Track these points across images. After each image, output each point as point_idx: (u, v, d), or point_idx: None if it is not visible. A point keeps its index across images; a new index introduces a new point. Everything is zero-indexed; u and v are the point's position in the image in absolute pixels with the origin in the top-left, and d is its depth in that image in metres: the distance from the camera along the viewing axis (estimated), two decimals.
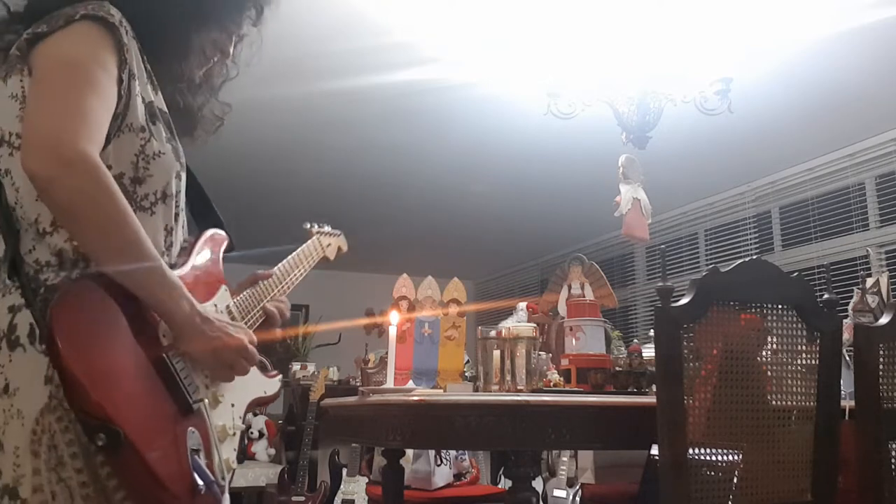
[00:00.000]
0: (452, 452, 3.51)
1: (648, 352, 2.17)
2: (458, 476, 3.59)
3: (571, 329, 2.34)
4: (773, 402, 1.64)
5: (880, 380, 1.73)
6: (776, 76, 3.19)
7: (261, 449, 4.65)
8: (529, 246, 6.33)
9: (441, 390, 2.11)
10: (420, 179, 4.64)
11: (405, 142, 4.02)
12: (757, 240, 4.60)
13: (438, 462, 3.41)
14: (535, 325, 2.34)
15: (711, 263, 4.71)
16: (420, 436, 1.73)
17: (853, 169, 3.95)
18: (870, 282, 2.55)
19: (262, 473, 4.31)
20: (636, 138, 2.78)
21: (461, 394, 2.01)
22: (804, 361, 1.69)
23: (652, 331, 1.65)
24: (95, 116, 0.98)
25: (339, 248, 1.69)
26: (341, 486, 4.17)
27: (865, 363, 1.74)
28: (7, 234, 1.00)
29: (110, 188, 0.95)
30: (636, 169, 2.63)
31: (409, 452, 3.32)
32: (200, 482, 0.97)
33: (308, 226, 1.59)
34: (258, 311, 1.26)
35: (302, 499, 4.08)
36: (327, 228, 1.64)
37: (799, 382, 1.67)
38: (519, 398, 1.78)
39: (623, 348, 2.42)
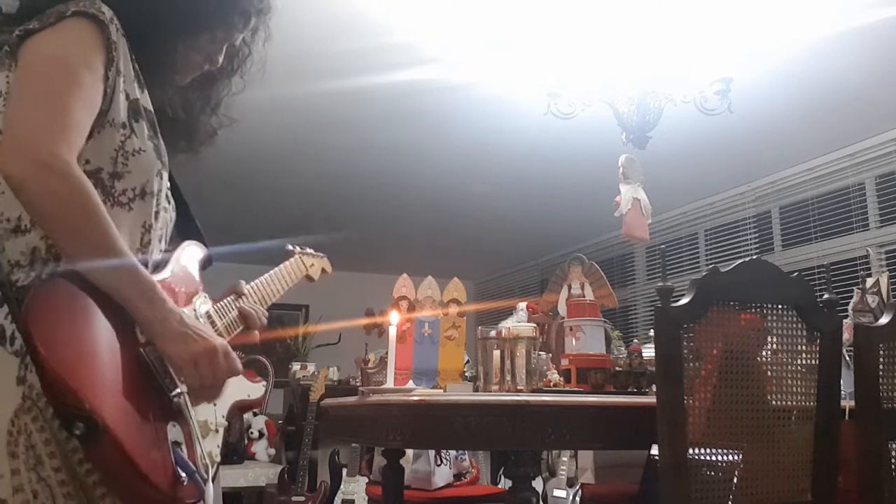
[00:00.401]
0: (452, 452, 3.51)
1: (648, 352, 2.18)
2: (458, 476, 3.59)
3: (571, 329, 2.34)
4: (773, 403, 1.64)
5: (880, 380, 1.73)
6: (776, 76, 3.19)
7: (261, 449, 4.65)
8: (529, 246, 6.33)
9: (441, 390, 2.11)
10: (420, 179, 4.64)
11: (406, 142, 4.03)
12: (757, 240, 4.60)
13: (438, 462, 3.41)
14: (535, 325, 2.34)
15: (711, 263, 4.71)
16: (420, 436, 1.73)
17: (853, 169, 3.95)
18: (870, 282, 2.55)
19: (262, 473, 4.31)
20: (636, 138, 2.79)
21: (461, 394, 2.01)
22: (804, 361, 1.69)
23: (652, 331, 1.65)
24: (75, 118, 0.98)
25: (324, 270, 1.72)
26: (341, 486, 4.17)
27: (865, 363, 1.74)
28: None
29: (84, 191, 0.96)
30: (636, 169, 2.63)
31: (409, 452, 3.32)
32: (182, 473, 0.98)
33: (290, 247, 1.62)
34: (235, 315, 1.27)
35: (302, 499, 4.08)
36: (310, 251, 1.67)
37: (799, 382, 1.67)
38: (519, 398, 1.78)
39: (623, 348, 2.43)
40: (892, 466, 1.74)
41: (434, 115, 3.67)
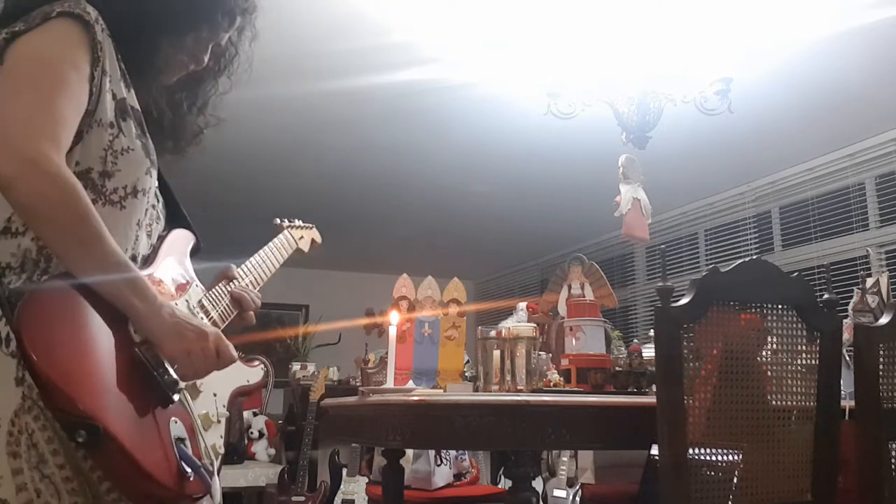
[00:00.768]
0: (452, 452, 3.51)
1: (648, 352, 2.17)
2: (458, 476, 3.59)
3: (571, 329, 2.34)
4: (773, 403, 1.64)
5: (880, 380, 1.73)
6: (776, 76, 3.19)
7: (261, 449, 4.65)
8: (529, 246, 6.33)
9: (441, 390, 2.11)
10: (420, 179, 4.64)
11: (405, 142, 4.03)
12: (757, 240, 4.60)
13: (438, 462, 3.41)
14: (535, 325, 2.34)
15: (711, 263, 4.71)
16: (420, 436, 1.73)
17: (853, 169, 3.95)
18: (870, 282, 2.55)
19: (261, 473, 4.31)
20: (636, 138, 2.78)
21: (461, 394, 2.01)
22: (804, 361, 1.69)
23: (652, 331, 1.65)
24: (63, 118, 0.99)
25: (314, 241, 1.70)
26: (341, 486, 4.17)
27: (865, 363, 1.74)
28: None
29: (72, 190, 0.95)
30: (636, 169, 2.63)
31: (409, 452, 3.32)
32: (188, 469, 0.98)
33: (278, 221, 1.61)
34: (229, 301, 1.26)
35: (302, 499, 4.08)
36: (298, 222, 1.66)
37: (799, 382, 1.67)
38: (519, 398, 1.78)
39: (623, 348, 2.43)
40: (892, 466, 1.74)
41: (434, 115, 3.67)
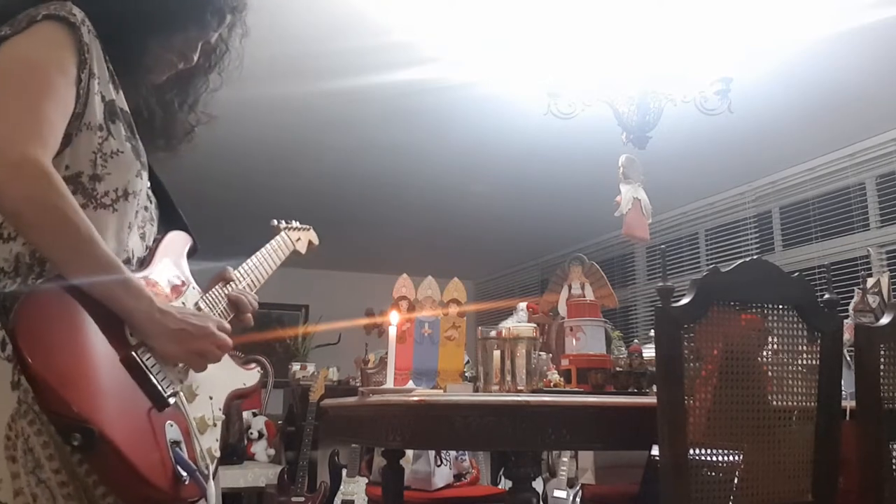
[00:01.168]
0: (452, 453, 3.51)
1: (649, 352, 2.17)
2: (458, 477, 3.59)
3: (572, 329, 2.33)
4: (774, 403, 1.64)
5: (881, 380, 1.73)
6: (776, 76, 3.19)
7: (260, 449, 4.64)
8: (529, 246, 6.33)
9: (441, 391, 2.10)
10: (420, 179, 4.64)
11: (405, 142, 4.02)
12: (757, 240, 4.60)
13: (438, 462, 3.41)
14: (535, 325, 2.34)
15: (712, 263, 4.71)
16: (420, 436, 1.73)
17: (854, 169, 3.95)
18: (870, 282, 2.55)
19: (261, 474, 4.30)
20: (636, 138, 2.78)
21: (461, 394, 2.01)
22: (805, 362, 1.68)
23: (652, 331, 1.64)
24: (49, 121, 0.98)
25: (311, 242, 1.69)
26: (341, 487, 4.17)
27: (866, 363, 1.73)
28: None
29: (60, 193, 0.95)
30: (636, 169, 2.62)
31: (409, 453, 3.32)
32: (183, 473, 0.98)
33: (275, 223, 1.60)
34: (226, 304, 1.26)
35: (301, 499, 4.08)
36: (296, 224, 1.65)
37: (800, 383, 1.67)
38: (519, 398, 1.78)
39: (623, 348, 2.42)
40: (893, 467, 1.74)
41: (434, 115, 3.66)
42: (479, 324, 2.51)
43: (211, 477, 1.08)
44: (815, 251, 4.15)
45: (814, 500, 1.64)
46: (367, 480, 4.06)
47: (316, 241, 1.71)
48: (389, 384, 1.90)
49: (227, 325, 1.14)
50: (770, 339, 1.67)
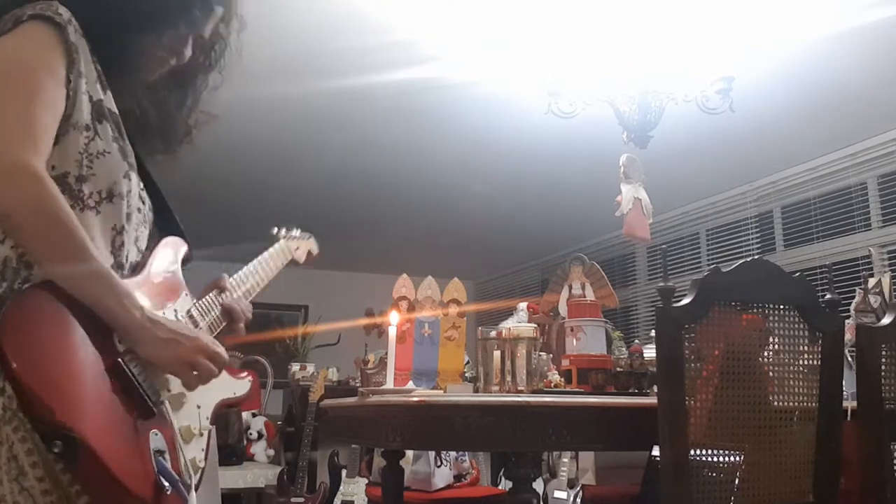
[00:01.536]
0: (452, 453, 3.51)
1: (649, 352, 2.17)
2: (458, 477, 3.59)
3: (572, 329, 2.33)
4: (775, 403, 1.64)
5: (882, 380, 1.73)
6: (776, 76, 3.18)
7: (260, 450, 4.64)
8: (530, 246, 6.32)
9: (441, 391, 2.10)
10: (420, 178, 4.64)
11: (405, 141, 4.02)
12: (759, 240, 4.59)
13: (438, 463, 3.41)
14: (535, 325, 2.33)
15: (713, 263, 4.71)
16: (420, 437, 1.73)
17: (855, 169, 3.95)
18: (872, 282, 2.54)
19: (260, 475, 4.30)
20: (637, 137, 2.78)
21: (461, 395, 2.00)
22: (806, 362, 1.68)
23: (653, 331, 1.64)
24: (40, 123, 0.97)
25: (310, 252, 1.66)
26: (341, 488, 4.16)
27: (867, 364, 1.73)
28: None
29: (52, 197, 0.94)
30: (637, 168, 2.62)
31: (409, 453, 3.32)
32: (166, 483, 0.96)
33: (275, 231, 1.59)
34: (219, 312, 1.23)
35: (301, 500, 4.07)
36: (296, 233, 1.63)
37: (801, 383, 1.67)
38: (519, 399, 1.78)
39: (624, 349, 2.41)
40: (895, 467, 1.73)
41: (434, 114, 3.66)
42: (480, 324, 2.50)
43: (193, 488, 1.07)
44: (817, 251, 4.15)
45: (815, 501, 1.64)
46: (366, 481, 4.06)
47: (315, 250, 1.69)
48: (389, 384, 1.90)
49: (219, 346, 1.11)
50: (771, 339, 1.67)
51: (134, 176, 1.12)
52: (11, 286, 0.96)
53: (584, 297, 2.65)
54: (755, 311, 1.65)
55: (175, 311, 1.13)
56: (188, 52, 1.21)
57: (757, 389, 1.61)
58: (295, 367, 5.13)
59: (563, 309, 2.67)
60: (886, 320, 1.82)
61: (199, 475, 1.09)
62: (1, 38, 1.01)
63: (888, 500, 1.69)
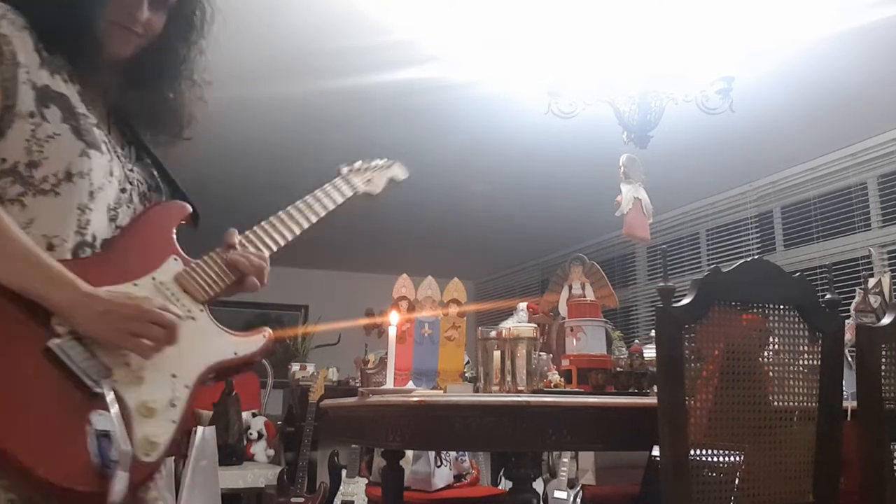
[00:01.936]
0: (452, 453, 3.51)
1: (649, 352, 2.17)
2: (458, 477, 3.59)
3: (572, 329, 2.33)
4: (775, 403, 1.64)
5: (883, 380, 1.72)
6: (776, 76, 3.18)
7: (260, 450, 4.64)
8: (530, 246, 6.32)
9: (441, 391, 2.10)
10: (420, 179, 4.62)
11: (405, 141, 4.02)
12: (759, 240, 4.59)
13: (438, 463, 3.41)
14: (535, 325, 2.33)
15: (713, 263, 4.71)
16: (420, 437, 1.73)
17: (855, 169, 3.95)
18: (872, 282, 2.54)
19: (260, 475, 4.30)
20: (637, 137, 2.78)
21: (461, 395, 2.00)
22: (806, 362, 1.68)
23: (653, 331, 1.64)
24: None
25: (391, 180, 1.53)
26: (341, 488, 4.16)
27: (867, 364, 1.73)
28: None
29: None
30: (637, 168, 2.62)
31: (409, 453, 3.32)
32: (105, 465, 0.93)
33: (340, 167, 1.48)
34: (218, 269, 1.16)
35: (301, 500, 4.07)
36: (375, 162, 1.50)
37: (801, 383, 1.67)
38: (519, 399, 1.77)
39: (624, 349, 2.41)
40: (895, 467, 1.73)
41: (434, 114, 3.66)
42: (480, 324, 2.50)
43: (158, 466, 1.02)
44: (817, 251, 4.15)
45: (815, 501, 1.64)
46: (366, 481, 4.06)
47: (402, 175, 1.56)
48: (389, 384, 1.90)
49: (174, 308, 1.06)
50: (771, 339, 1.67)
51: (96, 153, 1.10)
52: None
53: (584, 297, 2.64)
54: (755, 311, 1.65)
55: (153, 278, 1.10)
56: (144, 15, 1.15)
57: (757, 389, 1.61)
58: (295, 367, 5.13)
59: (563, 309, 2.67)
60: (886, 320, 1.82)
61: (158, 452, 1.01)
62: None
63: (888, 500, 1.68)
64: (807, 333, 1.68)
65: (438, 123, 3.77)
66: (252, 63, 3.11)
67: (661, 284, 1.58)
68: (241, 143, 3.91)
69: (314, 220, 1.36)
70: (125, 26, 1.15)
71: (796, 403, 1.65)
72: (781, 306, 1.66)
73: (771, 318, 1.66)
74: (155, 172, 1.26)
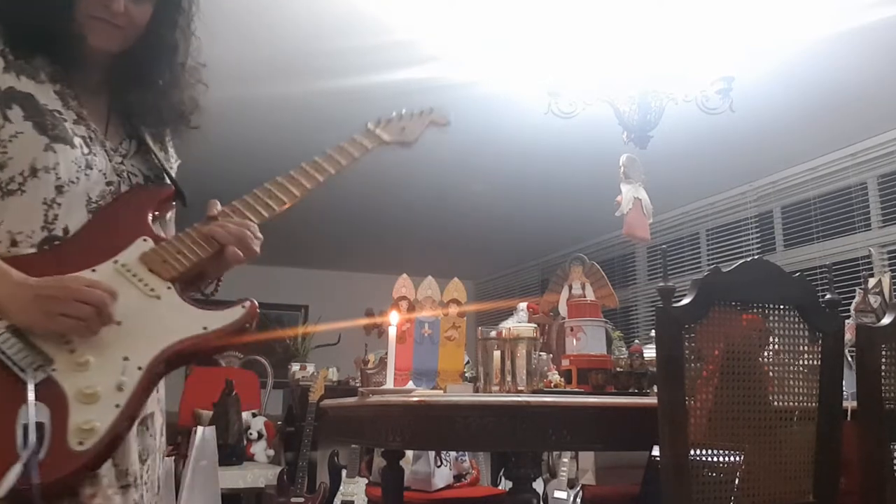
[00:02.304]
0: (452, 453, 3.50)
1: (649, 352, 2.17)
2: (458, 477, 3.58)
3: (572, 329, 2.33)
4: (775, 403, 1.64)
5: (882, 380, 1.72)
6: (776, 76, 3.18)
7: (259, 450, 4.63)
8: (530, 246, 6.32)
9: (441, 391, 2.10)
10: (420, 179, 4.63)
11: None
12: (759, 240, 4.59)
13: (438, 463, 3.40)
14: (535, 325, 2.33)
15: (713, 263, 4.71)
16: (420, 437, 1.73)
17: (855, 169, 3.95)
18: (872, 282, 2.54)
19: (260, 475, 4.29)
20: (637, 137, 2.78)
21: (461, 395, 2.00)
22: (806, 362, 1.68)
23: (653, 331, 1.64)
24: None
25: (432, 123, 1.47)
26: (341, 488, 4.16)
27: (867, 364, 1.73)
28: None
29: None
30: (637, 168, 2.62)
31: (409, 453, 3.31)
32: (25, 456, 0.91)
33: (368, 122, 1.41)
34: (191, 243, 1.12)
35: (301, 500, 4.07)
36: (412, 111, 1.44)
37: (801, 383, 1.67)
38: (519, 399, 1.77)
39: (624, 349, 2.41)
40: (895, 467, 1.73)
41: None
42: (480, 324, 2.50)
43: (98, 458, 0.99)
44: (817, 251, 4.15)
45: (815, 501, 1.64)
46: (366, 481, 4.05)
47: (442, 121, 1.49)
48: (389, 385, 1.90)
49: (100, 285, 1.01)
50: (771, 339, 1.67)
51: (63, 147, 1.09)
52: None
53: (584, 297, 2.64)
54: (755, 311, 1.65)
55: (115, 261, 1.08)
56: (121, 7, 1.12)
57: (757, 389, 1.61)
58: (295, 367, 5.13)
59: (563, 309, 2.67)
60: (886, 320, 1.82)
61: (94, 440, 0.97)
62: None
63: (888, 500, 1.68)
64: (807, 333, 1.68)
65: None
66: (252, 63, 3.11)
67: (661, 284, 1.58)
68: (241, 143, 3.91)
69: (321, 179, 1.32)
70: (103, 19, 1.12)
71: (796, 403, 1.65)
72: (781, 306, 1.66)
73: (771, 318, 1.66)
74: (160, 163, 1.25)
